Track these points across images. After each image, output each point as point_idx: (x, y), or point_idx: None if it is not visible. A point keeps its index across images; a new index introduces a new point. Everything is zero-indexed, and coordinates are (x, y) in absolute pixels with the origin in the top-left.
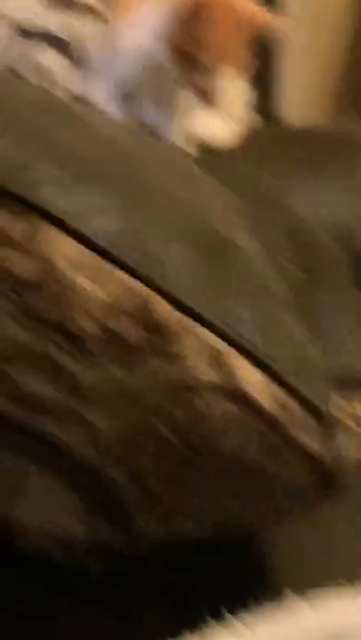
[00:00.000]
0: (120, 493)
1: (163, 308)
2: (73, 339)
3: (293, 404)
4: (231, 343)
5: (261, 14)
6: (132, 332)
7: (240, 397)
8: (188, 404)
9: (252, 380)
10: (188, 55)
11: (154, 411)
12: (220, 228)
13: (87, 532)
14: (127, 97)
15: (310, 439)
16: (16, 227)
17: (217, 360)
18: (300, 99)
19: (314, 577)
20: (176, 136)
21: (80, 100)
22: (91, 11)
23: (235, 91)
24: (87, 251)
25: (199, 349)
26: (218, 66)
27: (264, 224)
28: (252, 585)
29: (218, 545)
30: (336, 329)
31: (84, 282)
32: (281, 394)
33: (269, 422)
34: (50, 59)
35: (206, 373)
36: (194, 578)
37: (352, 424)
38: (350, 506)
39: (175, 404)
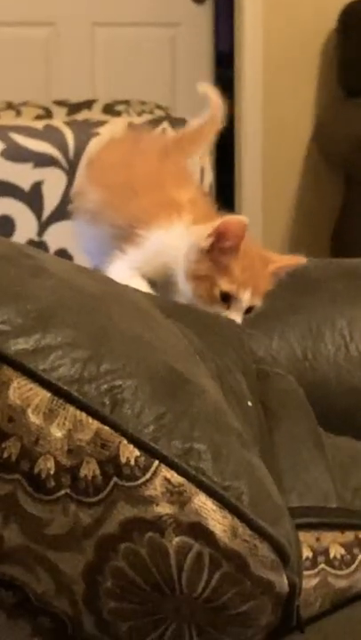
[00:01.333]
0: (84, 633)
1: (120, 444)
2: (35, 479)
3: (254, 537)
4: (189, 478)
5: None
6: (90, 469)
7: (199, 532)
8: (147, 539)
9: (210, 513)
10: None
11: (114, 547)
12: (177, 366)
13: None
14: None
15: (273, 573)
16: None
17: (176, 495)
18: None
19: None
20: None
21: (38, 246)
22: (52, 161)
23: None
24: (45, 390)
25: (158, 485)
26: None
27: (224, 362)
28: None
29: None
30: (298, 465)
31: (42, 422)
32: (241, 527)
33: (228, 556)
34: (10, 207)
35: (165, 508)
36: None
37: (318, 559)
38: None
39: (135, 540)
